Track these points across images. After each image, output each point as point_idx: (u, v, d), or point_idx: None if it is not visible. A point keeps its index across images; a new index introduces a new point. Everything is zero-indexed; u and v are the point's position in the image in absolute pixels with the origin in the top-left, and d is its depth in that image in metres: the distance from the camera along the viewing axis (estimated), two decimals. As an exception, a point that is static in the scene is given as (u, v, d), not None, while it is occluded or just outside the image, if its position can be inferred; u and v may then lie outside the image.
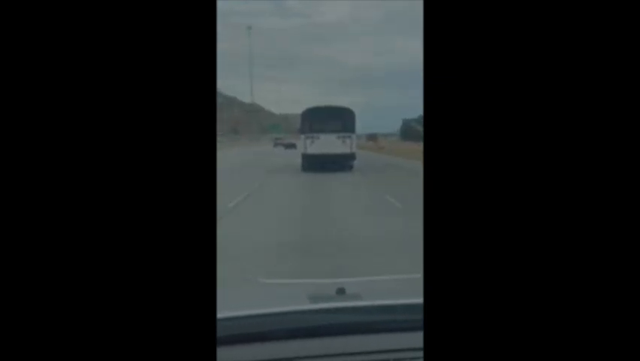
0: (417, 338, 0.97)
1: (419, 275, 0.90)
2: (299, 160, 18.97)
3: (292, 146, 42.37)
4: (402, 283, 1.75)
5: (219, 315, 0.85)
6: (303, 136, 18.45)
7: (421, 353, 0.91)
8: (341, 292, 1.37)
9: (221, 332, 0.94)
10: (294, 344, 1.11)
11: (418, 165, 18.44)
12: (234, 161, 23.14)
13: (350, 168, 18.39)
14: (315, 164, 17.86)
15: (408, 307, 1.18)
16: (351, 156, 18.35)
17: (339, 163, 18.02)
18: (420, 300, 0.88)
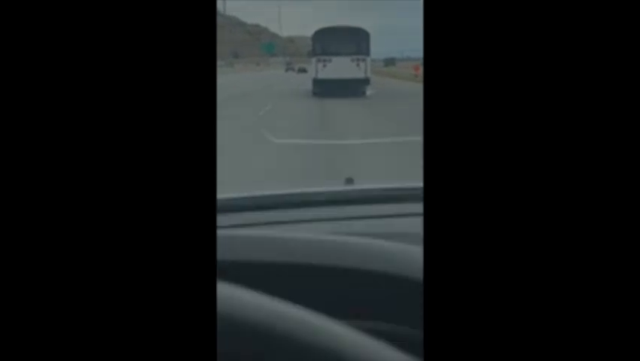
0: (417, 207, 1.10)
1: (418, 138, 1.05)
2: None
3: (304, 70, 46.92)
4: (400, 145, 1.95)
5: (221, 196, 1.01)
6: (314, 59, 18.57)
7: (420, 219, 1.10)
8: (350, 182, 1.53)
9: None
10: (295, 211, 1.30)
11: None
12: (232, 91, 22.66)
13: (363, 94, 18.45)
14: (327, 89, 18.05)
15: (409, 189, 1.37)
16: (365, 81, 18.47)
17: (352, 88, 18.11)
18: (420, 183, 1.05)
